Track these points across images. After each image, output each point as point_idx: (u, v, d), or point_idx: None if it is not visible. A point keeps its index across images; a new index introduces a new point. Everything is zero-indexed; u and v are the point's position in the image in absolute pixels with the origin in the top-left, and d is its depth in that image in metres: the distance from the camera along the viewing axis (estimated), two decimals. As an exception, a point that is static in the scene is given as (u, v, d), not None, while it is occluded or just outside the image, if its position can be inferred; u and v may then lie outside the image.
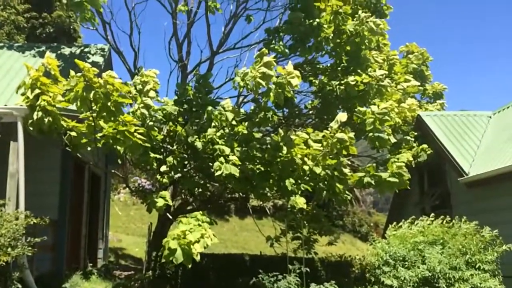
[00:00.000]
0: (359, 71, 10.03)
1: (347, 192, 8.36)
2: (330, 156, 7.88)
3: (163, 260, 6.77)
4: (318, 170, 7.83)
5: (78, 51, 11.03)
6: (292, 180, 7.91)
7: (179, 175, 8.81)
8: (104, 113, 6.91)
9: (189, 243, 6.43)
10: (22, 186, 7.27)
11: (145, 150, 7.78)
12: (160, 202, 7.59)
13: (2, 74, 9.34)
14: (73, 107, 7.02)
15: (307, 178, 8.03)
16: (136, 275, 10.55)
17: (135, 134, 7.09)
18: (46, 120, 6.75)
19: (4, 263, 6.09)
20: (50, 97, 6.84)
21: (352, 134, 7.75)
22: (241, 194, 10.02)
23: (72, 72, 6.79)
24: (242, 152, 7.90)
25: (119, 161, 9.57)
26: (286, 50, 10.11)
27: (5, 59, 10.12)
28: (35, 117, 6.76)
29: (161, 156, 8.65)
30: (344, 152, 7.86)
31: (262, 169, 8.10)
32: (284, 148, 7.87)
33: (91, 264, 10.47)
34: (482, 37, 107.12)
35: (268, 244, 10.54)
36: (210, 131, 8.12)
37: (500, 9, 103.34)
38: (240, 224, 23.47)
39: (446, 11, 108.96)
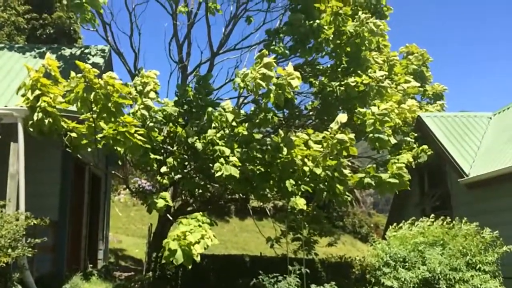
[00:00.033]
0: (359, 72, 10.03)
1: (347, 193, 8.35)
2: (331, 157, 7.88)
3: (163, 261, 6.78)
4: (318, 171, 7.83)
5: (78, 52, 11.04)
6: (292, 181, 7.90)
7: (179, 176, 8.81)
8: (105, 114, 6.92)
9: (190, 244, 6.43)
10: (22, 187, 7.27)
11: (145, 151, 7.78)
12: (160, 203, 7.58)
13: (2, 75, 9.35)
14: (73, 108, 7.03)
15: (307, 179, 8.02)
16: (136, 276, 10.55)
17: (136, 135, 7.10)
18: (46, 121, 6.76)
19: (4, 264, 6.08)
20: (51, 98, 6.85)
21: (352, 135, 7.75)
22: (241, 195, 10.01)
23: (72, 73, 6.80)
24: (242, 153, 7.90)
25: (120, 162, 9.59)
26: (286, 51, 10.12)
27: (5, 60, 10.13)
28: (35, 118, 6.76)
29: (161, 157, 8.65)
30: (344, 153, 7.86)
31: (262, 170, 8.10)
32: (284, 149, 7.87)
33: (91, 265, 10.46)
34: (482, 38, 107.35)
35: (268, 245, 10.55)
36: (210, 132, 8.12)
37: (500, 11, 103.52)
38: (240, 225, 23.48)
39: (446, 12, 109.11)
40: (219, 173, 7.40)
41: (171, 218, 9.39)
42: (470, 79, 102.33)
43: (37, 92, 6.81)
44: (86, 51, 11.19)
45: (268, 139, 8.52)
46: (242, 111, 9.14)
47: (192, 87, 9.95)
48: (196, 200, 10.69)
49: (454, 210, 10.61)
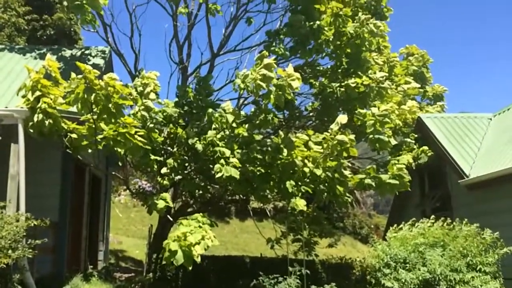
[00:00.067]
0: (359, 73, 10.04)
1: (347, 194, 8.36)
2: (331, 158, 7.89)
3: (163, 262, 6.79)
4: (318, 172, 7.83)
5: (79, 53, 11.05)
6: (292, 182, 7.90)
7: (179, 177, 8.81)
8: (105, 115, 6.92)
9: (190, 245, 6.43)
10: (22, 188, 7.26)
11: (146, 152, 7.79)
12: (160, 204, 7.59)
13: (3, 76, 9.35)
14: (73, 109, 7.03)
15: (308, 180, 8.03)
16: (137, 277, 10.54)
17: (136, 136, 7.11)
18: (46, 122, 6.76)
19: (4, 265, 6.08)
20: (51, 99, 6.86)
21: (352, 136, 7.76)
22: (241, 196, 10.02)
23: (73, 74, 6.80)
24: (243, 154, 7.91)
25: (120, 163, 9.58)
26: (287, 52, 10.13)
27: (6, 61, 10.14)
28: (35, 119, 6.77)
29: (161, 158, 8.65)
30: (345, 154, 7.86)
31: (263, 171, 8.11)
32: (285, 150, 7.88)
33: (91, 266, 10.45)
34: (483, 39, 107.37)
35: (268, 246, 10.54)
36: (211, 133, 8.13)
37: (500, 11, 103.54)
38: (241, 226, 23.48)
39: (446, 13, 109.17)
40: (219, 174, 7.41)
41: (171, 219, 9.40)
42: (470, 80, 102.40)
43: (38, 93, 6.81)
44: (87, 52, 11.20)
45: (268, 140, 8.53)
46: (242, 112, 9.15)
47: (192, 88, 9.96)
48: (196, 201, 10.69)
49: (454, 211, 10.60)
